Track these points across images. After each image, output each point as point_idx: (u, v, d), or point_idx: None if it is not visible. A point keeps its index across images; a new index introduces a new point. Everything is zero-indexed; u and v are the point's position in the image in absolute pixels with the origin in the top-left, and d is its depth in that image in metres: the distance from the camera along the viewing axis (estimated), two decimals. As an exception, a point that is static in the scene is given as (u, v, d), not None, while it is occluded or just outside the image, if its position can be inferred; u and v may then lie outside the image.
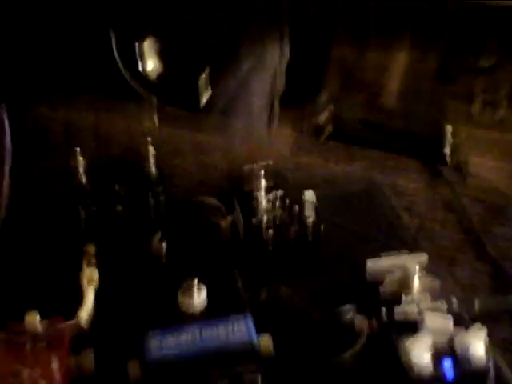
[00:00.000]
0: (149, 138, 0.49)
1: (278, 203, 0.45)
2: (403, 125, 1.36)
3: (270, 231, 0.43)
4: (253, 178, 0.48)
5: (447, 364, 0.32)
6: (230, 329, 0.32)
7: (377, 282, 0.38)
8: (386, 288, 0.38)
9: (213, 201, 0.44)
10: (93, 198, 0.44)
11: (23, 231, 0.46)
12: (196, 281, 0.34)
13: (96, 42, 0.61)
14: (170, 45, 0.61)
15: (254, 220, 0.44)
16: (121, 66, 0.60)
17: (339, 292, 0.40)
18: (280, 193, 0.47)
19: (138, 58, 0.60)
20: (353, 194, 0.51)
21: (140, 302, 0.35)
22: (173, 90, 0.63)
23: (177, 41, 0.61)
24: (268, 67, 0.75)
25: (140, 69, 0.61)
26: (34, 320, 0.34)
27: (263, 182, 0.48)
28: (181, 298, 0.35)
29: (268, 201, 0.46)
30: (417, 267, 0.37)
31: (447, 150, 1.34)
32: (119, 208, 0.44)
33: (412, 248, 0.45)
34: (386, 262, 0.40)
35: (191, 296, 0.34)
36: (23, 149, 0.56)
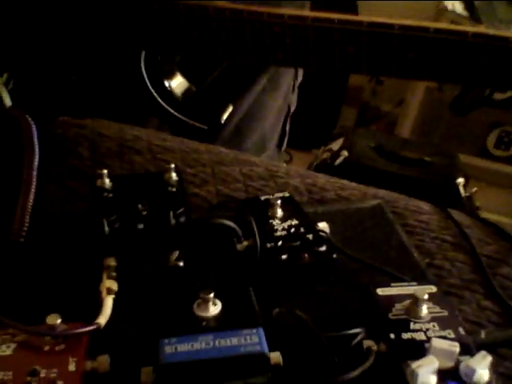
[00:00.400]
0: (172, 165, 0.52)
1: (292, 231, 0.47)
2: (416, 153, 1.39)
3: (284, 256, 0.44)
4: (269, 207, 0.50)
5: (452, 388, 0.33)
6: (242, 340, 0.34)
7: (386, 309, 0.39)
8: (395, 315, 0.39)
9: (230, 223, 0.46)
10: (117, 216, 0.46)
11: (49, 244, 0.48)
12: (212, 294, 0.36)
13: (124, 58, 0.65)
14: (196, 63, 0.65)
15: (268, 245, 0.45)
16: (147, 82, 0.63)
17: (348, 317, 0.41)
18: (295, 221, 0.49)
19: (165, 76, 0.64)
20: (365, 227, 0.53)
21: (156, 311, 0.37)
22: (195, 106, 0.66)
23: (205, 60, 0.64)
24: (281, 86, 0.79)
25: (166, 85, 0.64)
26: (55, 322, 0.35)
27: (279, 211, 0.50)
28: (196, 310, 0.36)
29: (283, 228, 0.48)
30: (426, 296, 0.38)
31: (460, 180, 1.36)
32: (140, 226, 0.46)
33: (421, 282, 0.46)
34: (396, 290, 0.41)
35: (207, 308, 0.36)
36: (49, 167, 0.60)
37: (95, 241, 0.45)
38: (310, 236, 0.46)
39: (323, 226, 0.49)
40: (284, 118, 0.93)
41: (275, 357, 0.34)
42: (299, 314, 0.39)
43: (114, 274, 0.42)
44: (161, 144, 0.69)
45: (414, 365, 0.33)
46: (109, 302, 0.39)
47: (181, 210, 0.47)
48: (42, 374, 0.32)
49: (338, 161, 1.35)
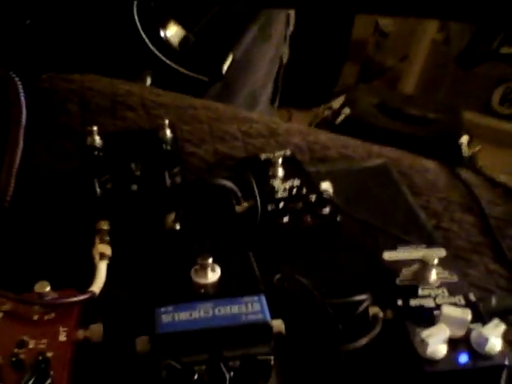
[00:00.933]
0: (167, 121, 0.49)
1: (294, 191, 0.45)
2: (420, 110, 1.35)
3: (286, 219, 0.42)
4: (270, 166, 0.48)
5: (463, 358, 0.31)
6: (243, 308, 0.32)
7: (393, 274, 0.37)
8: (402, 280, 0.37)
9: (229, 184, 0.43)
10: (108, 176, 0.43)
11: (37, 207, 0.45)
12: (211, 259, 0.34)
13: (116, 7, 0.60)
14: (193, 10, 0.60)
15: (269, 207, 0.43)
16: (141, 31, 0.59)
17: (353, 282, 0.39)
18: (297, 182, 0.46)
19: (160, 24, 0.60)
20: (369, 187, 0.51)
21: (152, 278, 0.35)
22: (195, 57, 0.62)
23: (202, 7, 0.60)
24: (272, 36, 0.74)
25: (162, 35, 0.60)
26: (44, 290, 0.33)
27: (280, 171, 0.47)
28: (194, 276, 0.34)
29: (284, 189, 0.45)
30: (435, 260, 0.36)
31: (463, 141, 1.34)
32: (134, 187, 0.43)
33: (429, 245, 0.44)
34: (404, 255, 0.39)
35: (205, 274, 0.34)
36: (37, 124, 0.56)
37: (86, 203, 0.43)
38: (313, 197, 0.44)
39: (326, 186, 0.47)
40: (276, 70, 0.88)
41: (277, 325, 0.32)
42: (302, 281, 0.37)
43: (107, 238, 0.40)
44: (155, 99, 0.66)
45: (424, 334, 0.31)
46: (102, 268, 0.37)
47: (176, 170, 0.44)
48: (31, 345, 0.31)
49: (340, 119, 1.31)
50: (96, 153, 0.45)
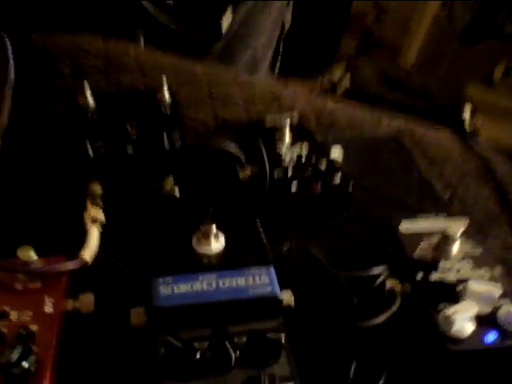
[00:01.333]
0: (165, 82, 0.45)
1: (302, 159, 0.41)
2: (422, 82, 1.31)
3: (294, 188, 0.39)
4: (276, 131, 0.44)
5: (490, 337, 0.29)
6: (250, 281, 0.29)
7: (411, 248, 0.34)
8: (421, 253, 0.34)
9: (232, 148, 0.40)
10: (102, 138, 0.40)
11: (25, 168, 0.42)
12: (214, 226, 0.30)
13: None
14: None
15: (276, 175, 0.40)
16: None
17: (366, 253, 0.37)
18: (305, 148, 0.43)
19: None
20: (381, 156, 0.47)
21: (149, 245, 0.31)
22: (191, 13, 0.58)
23: None
24: (273, 2, 0.70)
25: None
26: (28, 256, 0.30)
27: (287, 137, 0.44)
28: (196, 245, 0.31)
29: (292, 156, 0.42)
30: (458, 233, 0.33)
31: (466, 115, 1.31)
32: (130, 150, 0.40)
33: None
34: (423, 225, 0.36)
35: (208, 243, 0.31)
36: (28, 85, 0.52)
37: (78, 164, 0.39)
38: (323, 165, 0.41)
39: (336, 153, 0.43)
40: (278, 36, 0.84)
41: (286, 297, 0.29)
42: (313, 251, 0.34)
43: (99, 201, 0.37)
44: (151, 61, 0.61)
45: (450, 310, 0.29)
46: (94, 234, 0.34)
47: (176, 133, 0.41)
48: (13, 317, 0.27)
49: (340, 90, 1.27)
50: (89, 114, 0.42)
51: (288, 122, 0.43)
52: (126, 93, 0.50)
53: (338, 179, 0.40)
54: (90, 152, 0.39)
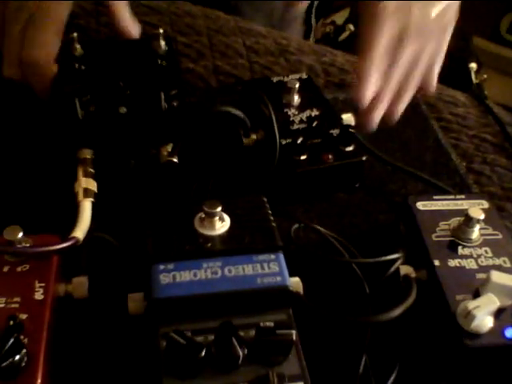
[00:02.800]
0: (161, 30, 0.41)
1: (313, 124, 0.38)
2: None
3: (303, 157, 0.36)
4: (284, 91, 0.40)
5: (510, 332, 0.27)
6: (258, 268, 0.26)
7: (429, 229, 0.32)
8: (440, 236, 0.32)
9: (237, 112, 0.36)
10: (92, 95, 0.36)
11: (8, 131, 0.38)
12: (220, 207, 0.28)
13: None
14: None
15: (284, 141, 0.37)
16: None
17: (380, 235, 0.34)
18: (316, 112, 0.39)
19: None
20: (396, 122, 0.44)
21: (147, 225, 0.29)
22: None
23: None
24: None
25: None
26: (15, 237, 0.27)
27: (296, 98, 0.40)
28: (199, 226, 0.28)
29: (301, 120, 0.38)
30: (482, 216, 0.31)
31: (473, 67, 1.26)
32: (123, 110, 0.36)
33: (462, 192, 0.39)
34: (441, 205, 0.33)
35: (212, 224, 0.28)
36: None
37: (66, 127, 0.36)
38: (335, 132, 0.38)
39: (348, 118, 0.40)
40: None
41: (294, 284, 0.27)
42: (325, 233, 0.31)
43: (91, 170, 0.34)
44: (147, 3, 0.56)
45: (472, 305, 0.27)
46: (87, 208, 0.31)
47: (174, 92, 0.37)
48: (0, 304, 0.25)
49: (344, 35, 1.21)
50: (76, 65, 0.37)
51: (297, 85, 0.39)
52: (118, 41, 0.45)
53: (351, 148, 0.37)
54: (79, 110, 0.35)
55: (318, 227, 0.32)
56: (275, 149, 0.35)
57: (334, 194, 0.37)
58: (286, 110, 0.39)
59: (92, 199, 0.32)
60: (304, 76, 0.43)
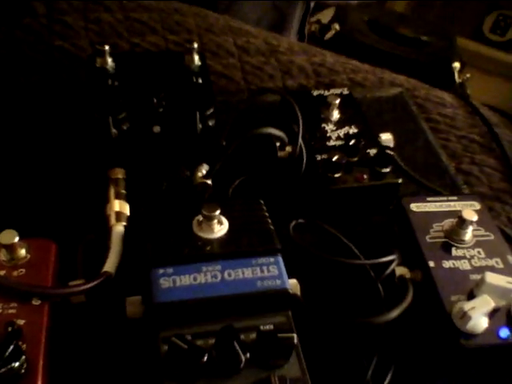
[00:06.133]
0: (195, 45, 0.38)
1: (351, 142, 0.36)
2: (412, 31, 1.27)
3: (339, 173, 0.34)
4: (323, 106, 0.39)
5: (504, 332, 0.28)
6: (258, 272, 0.26)
7: (423, 230, 0.33)
8: (434, 238, 0.32)
9: (277, 132, 0.35)
10: (127, 113, 0.34)
11: (37, 148, 0.37)
12: (218, 210, 0.28)
13: None
14: None
15: (319, 157, 0.36)
16: None
17: (372, 233, 0.35)
18: (354, 129, 0.38)
19: None
20: (386, 121, 0.44)
21: (147, 229, 0.28)
22: None
23: None
24: None
25: None
26: (11, 241, 0.27)
27: (335, 114, 0.39)
28: (197, 230, 0.28)
29: (339, 137, 0.38)
30: (475, 217, 0.31)
31: (457, 65, 1.28)
32: (157, 129, 0.34)
33: (453, 192, 0.40)
34: (434, 207, 0.34)
35: (211, 228, 0.28)
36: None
37: (98, 146, 0.34)
38: (372, 151, 0.36)
39: (387, 138, 0.39)
40: None
41: (292, 286, 0.27)
42: (325, 227, 0.32)
43: (123, 191, 0.32)
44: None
45: (467, 306, 0.27)
46: (119, 236, 0.30)
47: (210, 112, 0.35)
48: (-3, 310, 0.25)
49: (329, 34, 1.21)
50: (110, 81, 0.35)
51: (338, 101, 0.39)
52: (150, 53, 0.44)
53: (388, 169, 0.36)
54: (112, 129, 0.33)
55: (324, 224, 0.32)
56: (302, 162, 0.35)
57: (367, 216, 0.36)
58: (323, 126, 0.38)
59: (125, 223, 0.31)
60: (345, 92, 0.42)
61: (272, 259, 0.27)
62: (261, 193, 0.32)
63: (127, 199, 0.32)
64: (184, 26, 0.54)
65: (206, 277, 0.26)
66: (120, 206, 0.31)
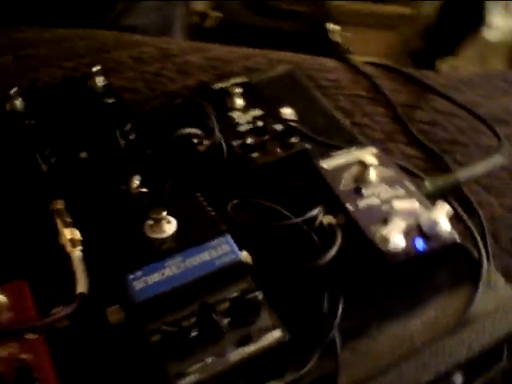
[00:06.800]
0: (97, 67, 0.41)
1: (259, 123, 0.42)
2: (287, 3, 1.34)
3: (256, 153, 0.39)
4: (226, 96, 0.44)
5: (419, 243, 0.34)
6: (214, 253, 0.31)
7: (336, 182, 0.38)
8: (345, 185, 0.38)
9: (193, 130, 0.39)
10: (51, 147, 0.36)
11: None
12: (165, 212, 0.32)
13: None
14: None
15: (235, 142, 0.40)
16: None
17: (296, 196, 0.40)
18: (259, 111, 0.43)
19: None
20: (283, 97, 0.49)
21: (101, 243, 0.32)
22: None
23: None
24: None
25: None
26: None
27: (239, 101, 0.44)
28: (150, 233, 0.32)
29: (247, 122, 0.42)
30: (375, 161, 0.38)
31: (332, 28, 1.37)
32: (83, 155, 0.37)
33: (358, 146, 0.46)
34: (340, 160, 0.40)
35: (161, 228, 0.32)
36: None
37: (32, 183, 0.36)
38: (279, 127, 0.42)
39: (289, 112, 0.44)
40: None
41: (245, 257, 0.32)
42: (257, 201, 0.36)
43: (68, 219, 0.35)
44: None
45: (384, 231, 0.33)
46: (78, 259, 0.32)
47: (127, 126, 0.38)
48: (1, 353, 0.27)
49: (209, 22, 1.25)
50: (26, 121, 0.37)
51: (238, 89, 0.43)
52: (54, 86, 0.44)
53: (295, 139, 0.41)
54: (42, 165, 0.36)
55: (257, 200, 0.37)
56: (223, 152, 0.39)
57: (290, 182, 0.41)
58: (231, 114, 0.43)
59: (80, 247, 0.33)
60: (243, 80, 0.46)
61: (222, 239, 0.32)
62: (194, 187, 0.36)
63: (75, 225, 0.35)
64: (74, 51, 0.56)
65: (172, 269, 0.30)
66: (71, 233, 0.34)
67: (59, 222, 0.35)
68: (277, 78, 0.53)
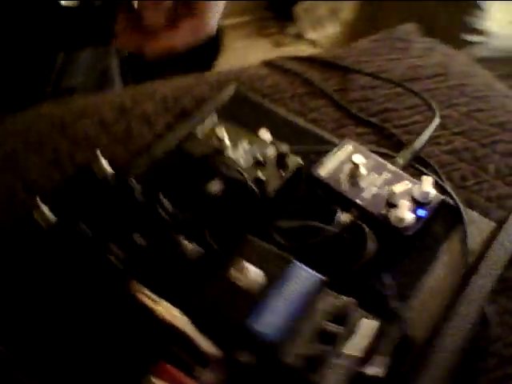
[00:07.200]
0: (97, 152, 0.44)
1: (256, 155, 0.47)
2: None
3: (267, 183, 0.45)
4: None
5: (420, 212, 0.45)
6: (297, 281, 0.38)
7: (337, 185, 0.46)
8: (345, 183, 0.46)
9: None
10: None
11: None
12: (244, 262, 0.38)
13: None
14: None
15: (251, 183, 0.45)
16: None
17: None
18: (246, 145, 0.48)
19: None
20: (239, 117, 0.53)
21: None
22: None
23: None
24: None
25: None
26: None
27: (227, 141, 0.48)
28: (239, 282, 0.38)
29: (241, 156, 0.47)
30: (363, 159, 0.47)
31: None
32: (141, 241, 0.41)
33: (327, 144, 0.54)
34: (331, 164, 0.48)
35: (247, 276, 0.38)
36: None
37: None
38: (270, 151, 0.48)
39: (265, 132, 0.50)
40: None
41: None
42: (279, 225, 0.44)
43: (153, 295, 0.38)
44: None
45: (398, 212, 0.43)
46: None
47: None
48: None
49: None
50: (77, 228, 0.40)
51: (223, 129, 0.47)
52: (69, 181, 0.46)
53: (287, 157, 0.47)
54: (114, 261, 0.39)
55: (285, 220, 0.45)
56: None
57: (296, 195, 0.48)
58: (226, 154, 0.47)
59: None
60: (212, 118, 0.50)
61: (295, 266, 0.39)
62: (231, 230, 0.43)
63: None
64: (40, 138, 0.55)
65: (277, 303, 0.37)
66: (163, 307, 0.38)
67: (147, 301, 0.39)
68: (230, 103, 0.58)
